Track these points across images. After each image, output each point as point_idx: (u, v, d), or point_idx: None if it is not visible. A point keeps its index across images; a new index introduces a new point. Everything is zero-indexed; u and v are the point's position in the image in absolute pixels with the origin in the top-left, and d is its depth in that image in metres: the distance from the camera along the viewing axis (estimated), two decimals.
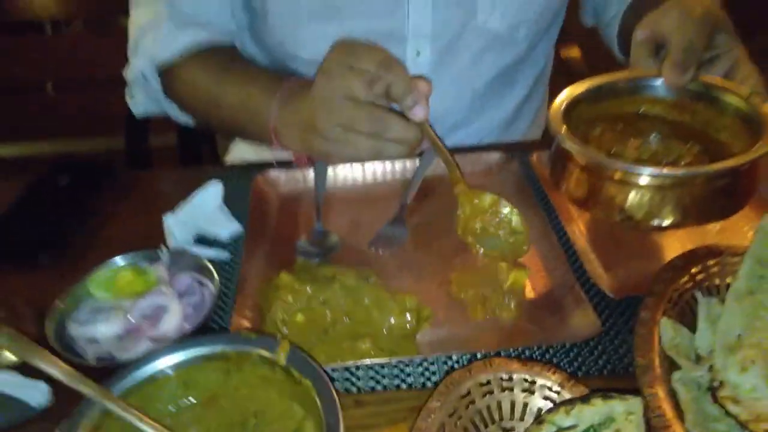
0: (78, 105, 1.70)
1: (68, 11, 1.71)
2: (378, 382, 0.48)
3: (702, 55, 0.58)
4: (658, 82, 0.61)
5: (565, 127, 0.56)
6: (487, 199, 0.59)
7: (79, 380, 0.40)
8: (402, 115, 0.59)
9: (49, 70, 1.72)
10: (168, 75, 0.76)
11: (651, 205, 0.52)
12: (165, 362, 0.43)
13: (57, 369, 0.40)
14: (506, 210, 0.58)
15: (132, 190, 0.74)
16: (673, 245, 0.57)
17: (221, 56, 0.75)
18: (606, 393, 0.40)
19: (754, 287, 0.48)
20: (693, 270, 0.50)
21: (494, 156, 0.71)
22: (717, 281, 0.50)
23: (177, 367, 0.44)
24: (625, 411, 0.39)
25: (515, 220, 0.58)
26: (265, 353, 0.43)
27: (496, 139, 0.88)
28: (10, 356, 0.49)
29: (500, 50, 0.80)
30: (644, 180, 0.52)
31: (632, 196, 0.52)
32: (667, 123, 0.61)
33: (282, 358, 0.42)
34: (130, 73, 0.78)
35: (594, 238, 0.58)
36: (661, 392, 0.41)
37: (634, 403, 0.39)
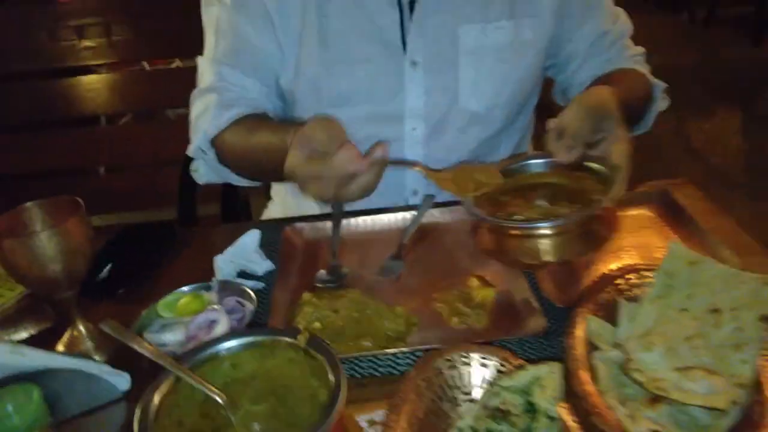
0: (128, 185, 1.92)
1: (121, 107, 1.97)
2: (376, 369, 0.63)
3: (590, 137, 0.72)
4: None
5: (471, 197, 0.72)
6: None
7: (160, 356, 0.57)
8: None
9: (103, 156, 1.94)
10: (218, 145, 0.95)
11: (540, 249, 0.67)
12: (219, 349, 0.60)
13: (146, 349, 0.57)
14: None
15: (187, 243, 0.93)
16: (603, 265, 0.73)
17: (250, 120, 0.93)
18: (535, 362, 0.55)
19: (663, 293, 0.63)
20: (617, 282, 0.66)
21: None
22: (635, 290, 0.65)
23: (227, 352, 0.60)
24: (549, 371, 0.53)
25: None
26: (290, 340, 0.59)
27: None
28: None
29: (481, 126, 0.99)
30: (529, 231, 0.68)
31: (523, 244, 0.68)
32: (558, 189, 0.75)
33: (302, 342, 0.58)
34: (190, 150, 0.97)
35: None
36: (580, 358, 0.56)
37: (555, 365, 0.54)
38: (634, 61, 1.02)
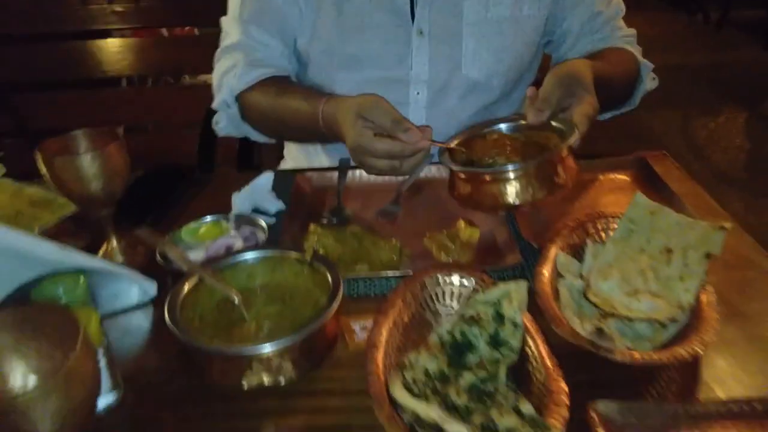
0: (145, 146, 2.01)
1: (142, 70, 2.06)
2: (370, 289, 0.73)
3: (562, 101, 0.80)
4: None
5: (447, 151, 0.82)
6: None
7: (185, 260, 0.66)
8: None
9: (123, 116, 2.03)
10: (242, 101, 1.03)
11: (511, 191, 0.75)
12: (236, 260, 0.69)
13: (176, 254, 0.67)
14: None
15: (206, 184, 1.02)
16: (576, 213, 0.81)
17: (277, 83, 1.02)
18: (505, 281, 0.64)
19: (625, 237, 0.72)
20: (587, 226, 0.75)
21: None
22: (602, 234, 0.74)
23: (243, 263, 0.69)
24: (516, 287, 0.62)
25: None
26: (297, 255, 0.68)
27: None
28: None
29: (479, 94, 1.08)
30: (498, 175, 0.75)
31: (486, 189, 0.76)
32: (526, 144, 0.83)
33: (308, 256, 0.68)
34: (215, 104, 1.06)
35: (528, 211, 0.83)
36: (546, 281, 0.65)
37: (522, 283, 0.63)
38: (625, 41, 1.10)
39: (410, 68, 1.04)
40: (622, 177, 0.94)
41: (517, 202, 0.75)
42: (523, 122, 0.84)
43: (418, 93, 1.06)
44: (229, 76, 1.03)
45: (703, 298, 0.63)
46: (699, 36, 4.71)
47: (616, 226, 0.72)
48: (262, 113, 1.02)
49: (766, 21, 4.19)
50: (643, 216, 0.73)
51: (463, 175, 0.79)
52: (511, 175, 0.75)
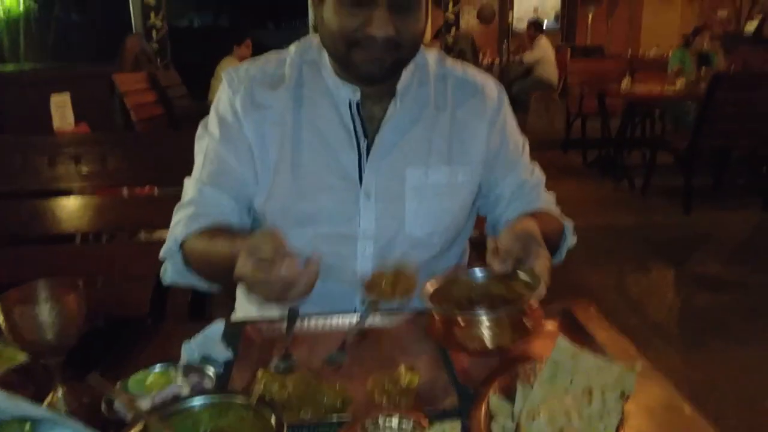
0: (97, 299, 2.01)
1: (98, 227, 2.12)
2: None
3: (519, 255, 0.92)
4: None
5: (430, 294, 0.92)
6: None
7: (132, 406, 0.68)
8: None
9: (74, 273, 2.05)
10: (185, 249, 1.09)
11: (480, 336, 0.85)
12: (181, 407, 0.71)
13: (123, 400, 0.68)
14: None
15: (157, 334, 1.05)
16: (507, 357, 0.88)
17: (215, 230, 1.07)
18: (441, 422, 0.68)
19: (551, 378, 0.78)
20: (517, 370, 0.81)
21: (411, 314, 1.05)
22: (531, 377, 0.80)
23: (190, 409, 0.71)
24: (451, 428, 0.66)
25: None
26: (242, 400, 0.71)
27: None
28: None
29: (421, 249, 1.18)
30: (472, 321, 0.85)
31: (467, 333, 0.86)
32: (495, 295, 0.95)
33: (253, 401, 0.70)
34: (162, 253, 1.12)
35: (464, 356, 0.89)
36: (480, 422, 0.69)
37: (456, 422, 0.67)
38: (548, 204, 1.26)
39: (359, 225, 1.15)
40: (549, 324, 1.02)
41: (493, 346, 0.85)
42: (491, 271, 0.95)
43: (365, 248, 1.16)
44: (177, 227, 1.11)
45: None
46: (626, 200, 5.17)
47: (541, 367, 0.79)
48: (196, 259, 1.08)
49: (684, 188, 4.66)
50: (565, 359, 0.79)
51: (442, 317, 0.89)
52: (489, 320, 0.85)
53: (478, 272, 0.98)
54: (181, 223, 1.11)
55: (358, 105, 1.15)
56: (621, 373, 0.76)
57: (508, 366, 0.81)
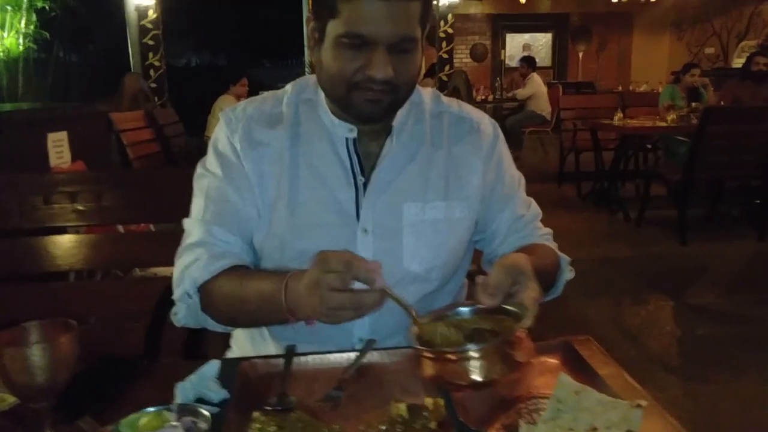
0: (90, 338, 1.98)
1: (92, 264, 2.11)
2: None
3: (509, 288, 0.91)
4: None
5: (416, 332, 0.91)
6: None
7: None
8: (366, 289, 0.88)
9: (68, 310, 2.02)
10: (204, 292, 1.08)
11: (469, 371, 0.83)
12: None
13: None
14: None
15: (151, 374, 1.03)
16: (509, 394, 0.86)
17: (241, 269, 1.08)
18: None
19: (554, 416, 0.77)
20: (519, 407, 0.79)
21: (409, 351, 1.03)
22: (533, 414, 0.79)
23: None
24: None
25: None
26: None
27: None
28: None
29: (419, 285, 1.17)
30: (461, 356, 0.84)
31: (453, 368, 0.84)
32: (482, 328, 0.93)
33: None
34: (176, 296, 1.10)
35: (464, 393, 0.88)
36: None
37: None
38: (545, 239, 1.25)
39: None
40: (551, 360, 1.01)
41: (483, 379, 0.82)
42: (480, 306, 0.94)
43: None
44: (191, 269, 1.09)
45: None
46: (621, 232, 5.18)
47: (544, 405, 0.77)
48: (226, 297, 1.07)
49: (678, 219, 4.68)
50: (568, 396, 0.78)
51: (430, 355, 0.87)
52: (478, 354, 0.83)
53: (465, 309, 0.97)
54: (197, 265, 1.09)
55: (354, 142, 1.15)
56: (626, 410, 0.74)
57: (509, 404, 0.80)
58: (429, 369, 0.87)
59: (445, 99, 1.26)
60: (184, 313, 1.12)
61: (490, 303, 0.91)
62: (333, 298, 0.87)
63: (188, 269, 1.10)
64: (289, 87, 1.22)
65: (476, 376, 0.82)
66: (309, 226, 1.13)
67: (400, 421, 0.80)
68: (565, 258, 1.24)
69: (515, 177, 1.28)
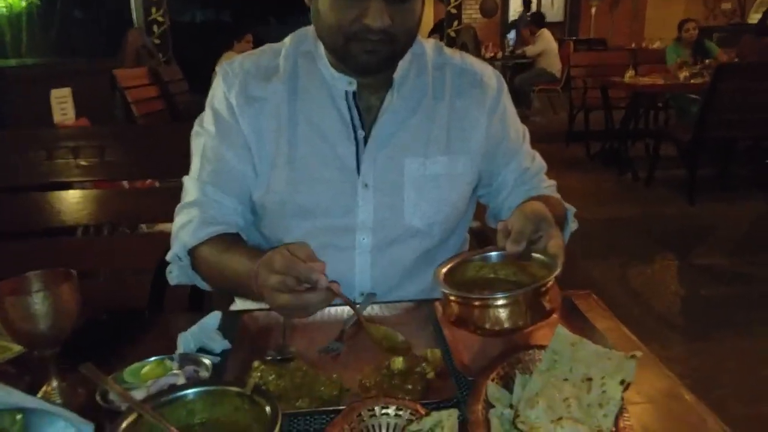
0: (97, 292, 2.01)
1: (99, 220, 2.12)
2: (310, 425, 0.74)
3: (531, 235, 0.92)
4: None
5: (443, 277, 0.90)
6: (381, 330, 0.90)
7: (126, 396, 0.67)
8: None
9: (75, 266, 2.05)
10: (193, 255, 1.09)
11: (500, 317, 0.84)
12: (177, 396, 0.71)
13: (116, 391, 0.68)
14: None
15: (155, 326, 1.04)
16: (506, 345, 0.87)
17: (226, 240, 1.08)
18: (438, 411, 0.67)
19: (550, 367, 0.77)
20: (515, 358, 0.80)
21: (410, 305, 1.04)
22: (530, 366, 0.79)
23: (184, 398, 0.71)
24: (448, 415, 0.66)
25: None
26: (238, 389, 0.70)
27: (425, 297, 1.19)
28: None
29: (420, 240, 1.17)
30: (489, 302, 0.84)
31: (485, 314, 0.84)
32: (509, 274, 0.95)
33: (248, 389, 0.70)
34: (169, 256, 1.12)
35: (462, 345, 0.88)
36: (478, 411, 0.68)
37: (453, 411, 0.66)
38: (550, 190, 1.25)
39: (357, 217, 1.14)
40: None
41: (513, 326, 0.84)
42: (506, 252, 0.93)
43: (363, 239, 1.15)
44: (183, 231, 1.10)
45: (620, 423, 0.68)
46: (630, 192, 5.15)
47: (540, 355, 0.78)
48: (209, 267, 1.09)
49: (688, 179, 4.64)
50: (564, 347, 0.78)
51: (456, 301, 0.87)
52: (506, 301, 0.84)
53: (492, 254, 0.97)
54: (188, 229, 1.10)
55: (354, 96, 1.14)
56: (621, 361, 0.74)
57: (506, 355, 0.80)
58: (456, 313, 0.88)
59: (447, 50, 1.23)
60: (177, 272, 1.14)
61: (514, 249, 0.91)
62: (277, 298, 0.85)
63: (181, 231, 1.11)
64: (287, 40, 1.20)
65: (505, 324, 0.84)
66: (309, 182, 1.13)
67: (397, 372, 0.81)
68: (570, 209, 1.24)
69: (520, 130, 1.26)
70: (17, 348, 0.90)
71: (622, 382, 0.71)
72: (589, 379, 0.74)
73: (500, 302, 0.84)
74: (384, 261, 1.15)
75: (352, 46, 1.04)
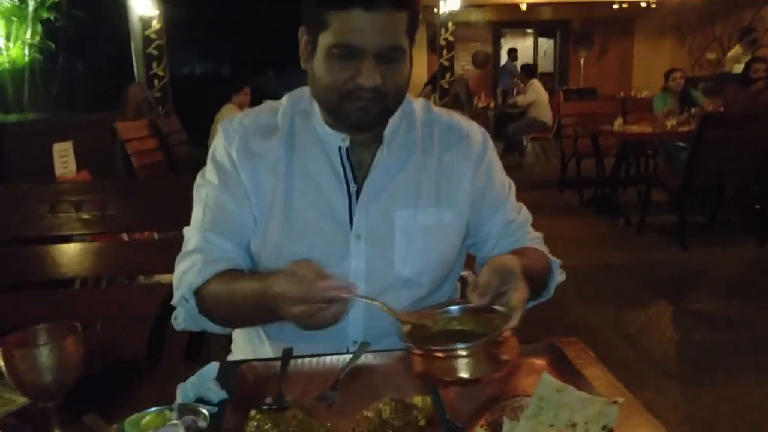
0: (95, 342, 2.02)
1: (98, 272, 2.15)
2: None
3: (498, 288, 0.96)
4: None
5: (407, 330, 0.96)
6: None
7: None
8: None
9: (73, 317, 2.07)
10: (200, 294, 1.13)
11: (457, 368, 0.87)
12: None
13: None
14: None
15: (156, 375, 1.07)
16: (494, 392, 0.90)
17: (232, 273, 1.12)
18: None
19: (536, 413, 0.80)
20: (504, 404, 0.83)
21: (402, 352, 1.07)
22: (517, 412, 0.82)
23: None
24: None
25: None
26: None
27: None
28: None
29: (411, 289, 1.21)
30: (449, 354, 0.88)
31: (447, 365, 0.88)
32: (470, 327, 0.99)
33: None
34: (175, 300, 1.15)
35: (452, 392, 0.91)
36: None
37: None
38: (536, 242, 1.29)
39: (350, 266, 1.18)
40: (537, 361, 1.05)
41: (469, 376, 0.87)
42: (469, 305, 0.98)
43: (357, 287, 1.18)
44: (187, 275, 1.14)
45: None
46: (622, 238, 5.20)
47: (526, 402, 0.81)
48: (217, 300, 1.12)
49: (678, 224, 4.71)
50: (550, 394, 0.82)
51: (419, 352, 0.91)
52: (465, 352, 0.87)
53: (455, 307, 1.02)
54: (192, 271, 1.14)
55: (347, 151, 1.20)
56: (603, 407, 0.78)
57: (495, 401, 0.84)
58: (418, 366, 0.92)
59: (435, 108, 1.31)
60: (184, 316, 1.16)
61: (479, 302, 0.96)
62: (302, 322, 0.92)
63: (185, 275, 1.15)
64: (285, 99, 1.27)
65: (463, 374, 0.87)
66: (304, 232, 1.17)
67: (389, 419, 0.84)
68: (555, 261, 1.28)
69: (505, 183, 1.32)
70: (21, 400, 0.92)
71: (604, 428, 0.74)
72: (574, 425, 0.77)
73: (458, 353, 0.88)
74: (376, 309, 1.19)
75: (346, 104, 1.11)
